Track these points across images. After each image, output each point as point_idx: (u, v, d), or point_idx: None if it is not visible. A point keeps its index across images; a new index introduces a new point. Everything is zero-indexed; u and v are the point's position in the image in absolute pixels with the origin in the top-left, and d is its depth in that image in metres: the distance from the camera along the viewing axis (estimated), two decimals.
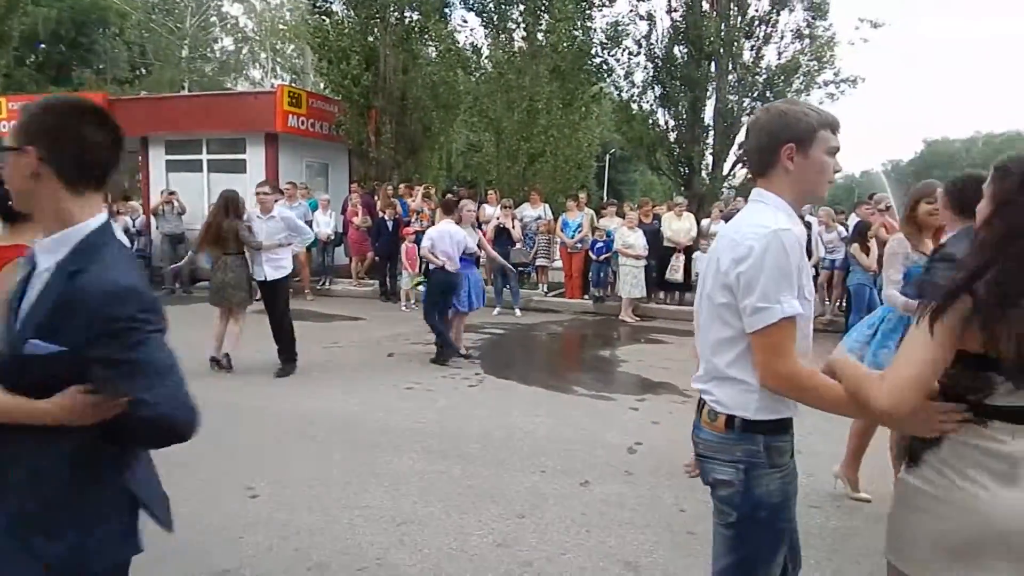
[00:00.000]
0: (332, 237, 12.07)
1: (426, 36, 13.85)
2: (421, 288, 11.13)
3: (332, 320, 9.55)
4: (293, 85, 22.95)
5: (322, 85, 17.35)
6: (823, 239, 9.55)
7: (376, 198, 12.23)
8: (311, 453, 4.41)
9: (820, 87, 14.74)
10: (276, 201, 7.15)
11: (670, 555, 3.21)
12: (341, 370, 6.69)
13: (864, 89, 20.91)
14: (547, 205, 11.83)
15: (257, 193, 6.63)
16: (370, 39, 13.71)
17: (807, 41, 14.48)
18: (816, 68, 14.68)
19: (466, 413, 5.37)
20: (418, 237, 11.08)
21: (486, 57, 13.85)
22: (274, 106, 12.72)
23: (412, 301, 10.67)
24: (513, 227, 10.78)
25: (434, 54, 14.07)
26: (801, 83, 14.67)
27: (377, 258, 11.71)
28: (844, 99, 14.75)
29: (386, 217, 11.27)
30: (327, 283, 12.04)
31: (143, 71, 31.14)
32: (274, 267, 6.39)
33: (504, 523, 3.49)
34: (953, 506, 1.57)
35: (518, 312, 10.17)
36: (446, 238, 6.82)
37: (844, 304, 9.19)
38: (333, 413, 5.24)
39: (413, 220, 11.65)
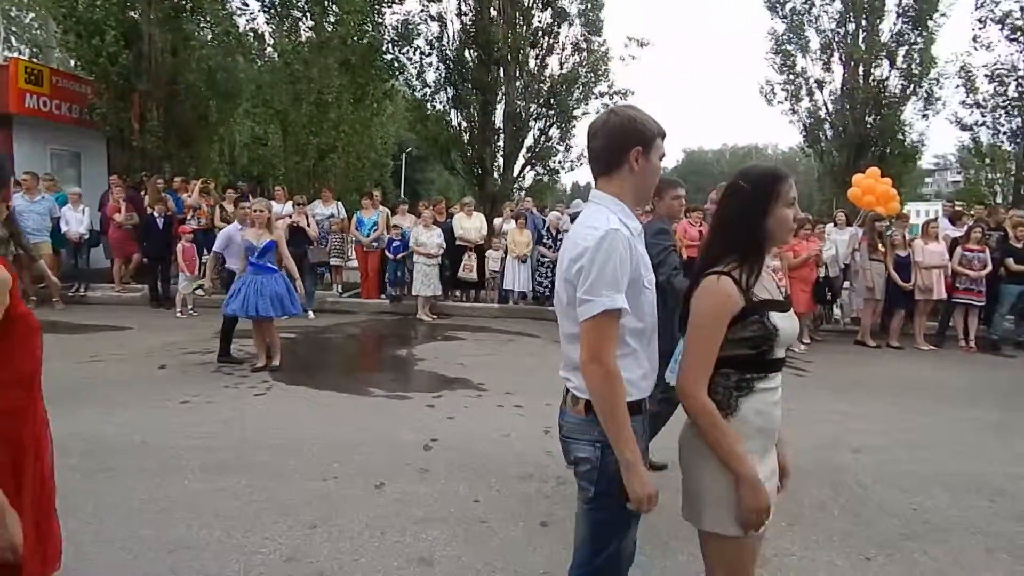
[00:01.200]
0: (87, 236, 10.56)
1: (199, 16, 12.63)
2: (201, 292, 10.24)
3: (89, 331, 8.34)
4: (33, 60, 19.74)
5: (73, 62, 15.09)
6: None
7: (143, 193, 10.96)
8: (61, 485, 3.80)
9: (597, 98, 16.06)
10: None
11: (464, 546, 3.27)
12: (101, 388, 5.85)
13: (635, 102, 23.13)
14: (339, 203, 11.45)
15: None
16: (131, 14, 12.19)
17: (585, 54, 15.68)
18: (593, 80, 15.96)
19: (252, 424, 5.01)
20: (196, 236, 10.18)
21: (270, 45, 12.97)
22: (6, 83, 10.87)
23: (191, 307, 9.72)
24: (308, 225, 10.28)
25: (210, 37, 12.89)
26: (580, 93, 15.86)
27: (146, 260, 10.48)
28: None
29: (156, 214, 10.14)
30: (82, 289, 10.50)
31: None
32: None
33: (293, 536, 3.31)
34: None
35: (311, 315, 9.73)
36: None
37: None
38: (89, 437, 4.56)
39: (189, 217, 10.63)
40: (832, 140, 16.71)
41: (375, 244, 10.65)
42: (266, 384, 6.15)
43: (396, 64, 14.19)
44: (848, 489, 4.12)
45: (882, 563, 3.25)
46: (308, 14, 12.88)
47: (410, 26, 13.67)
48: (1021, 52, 13.86)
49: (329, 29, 12.60)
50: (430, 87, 15.28)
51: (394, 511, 3.62)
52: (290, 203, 10.54)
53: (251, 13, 13.09)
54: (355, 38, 12.69)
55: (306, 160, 12.50)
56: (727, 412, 1.83)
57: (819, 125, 16.73)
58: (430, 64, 15.12)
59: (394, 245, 10.32)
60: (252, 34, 12.94)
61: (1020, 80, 13.94)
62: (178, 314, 9.53)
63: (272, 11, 12.90)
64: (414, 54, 14.76)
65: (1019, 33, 13.78)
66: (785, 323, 1.86)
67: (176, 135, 12.67)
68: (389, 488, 3.92)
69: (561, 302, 1.91)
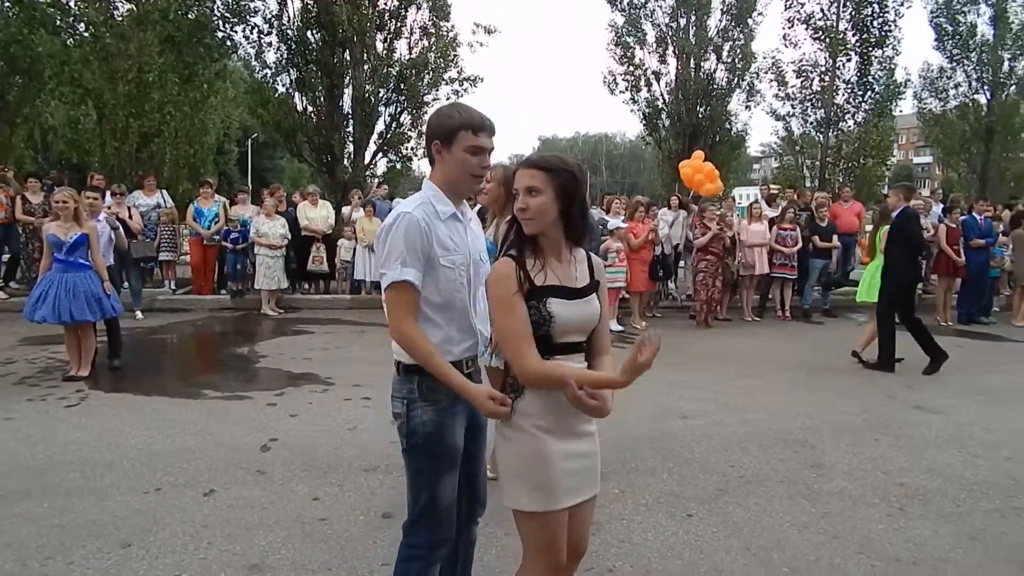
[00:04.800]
0: None
1: None
2: (2, 295, 9.06)
3: None
4: None
5: None
6: None
7: None
8: None
9: (447, 84, 15.92)
10: None
11: (300, 547, 3.13)
12: None
13: (492, 90, 23.33)
14: (164, 191, 10.51)
15: None
16: None
17: (434, 39, 15.48)
18: (443, 66, 15.80)
19: (60, 439, 4.49)
20: None
21: (75, 16, 11.46)
22: None
23: None
24: (131, 217, 9.35)
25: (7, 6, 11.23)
26: (430, 79, 15.66)
27: None
28: (477, 98, 16.18)
29: None
30: None
31: None
32: None
33: (103, 558, 3.00)
34: None
35: (139, 315, 8.90)
36: None
37: None
38: None
39: None
40: (669, 129, 17.80)
41: (216, 237, 9.91)
42: (80, 394, 5.54)
43: (229, 43, 13.14)
44: (676, 453, 4.42)
45: (702, 517, 3.52)
46: None
47: (243, 2, 12.68)
48: (822, 50, 15.50)
49: (147, 2, 11.35)
50: (270, 68, 14.42)
51: (224, 519, 3.39)
52: (108, 193, 9.51)
53: None
54: (178, 13, 11.56)
55: (126, 145, 11.26)
56: (516, 393, 1.89)
57: (657, 114, 17.72)
58: (269, 44, 14.25)
59: (232, 236, 9.67)
60: (51, 3, 11.33)
61: (822, 75, 15.60)
62: None
63: None
64: (251, 32, 13.82)
65: (821, 33, 15.40)
66: (566, 310, 1.85)
67: None
68: (220, 495, 3.67)
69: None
